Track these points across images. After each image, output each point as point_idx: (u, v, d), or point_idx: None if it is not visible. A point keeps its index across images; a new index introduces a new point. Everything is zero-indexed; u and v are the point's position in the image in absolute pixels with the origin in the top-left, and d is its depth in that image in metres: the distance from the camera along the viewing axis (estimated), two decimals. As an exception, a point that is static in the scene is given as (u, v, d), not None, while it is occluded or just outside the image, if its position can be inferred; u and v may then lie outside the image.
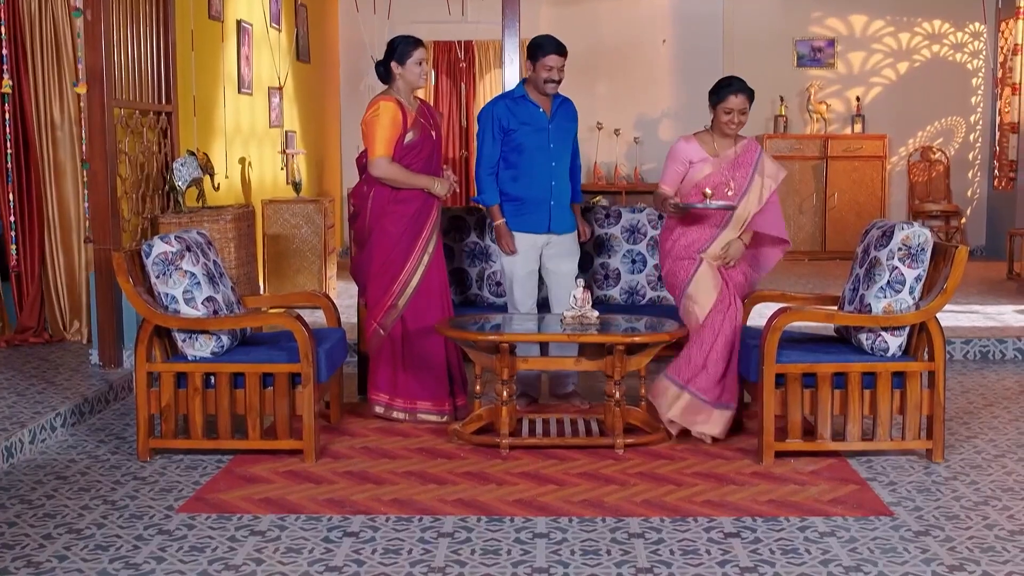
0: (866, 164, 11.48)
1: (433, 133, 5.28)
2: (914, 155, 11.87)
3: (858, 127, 11.77)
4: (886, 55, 11.92)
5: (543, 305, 5.68)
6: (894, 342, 4.54)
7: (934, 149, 11.83)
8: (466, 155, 11.97)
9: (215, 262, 4.92)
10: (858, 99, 11.84)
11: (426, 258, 5.21)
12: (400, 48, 5.18)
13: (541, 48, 5.32)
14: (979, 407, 5.50)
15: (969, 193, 11.93)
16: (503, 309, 5.93)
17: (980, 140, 11.88)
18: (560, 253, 5.49)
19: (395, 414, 5.24)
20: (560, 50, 5.31)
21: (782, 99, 11.78)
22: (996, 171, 11.61)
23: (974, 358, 6.70)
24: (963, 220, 11.78)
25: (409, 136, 5.16)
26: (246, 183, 8.49)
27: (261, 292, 8.06)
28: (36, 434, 4.82)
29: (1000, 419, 5.26)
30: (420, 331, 5.19)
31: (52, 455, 4.72)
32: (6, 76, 6.29)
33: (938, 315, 4.51)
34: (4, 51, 6.33)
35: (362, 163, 5.28)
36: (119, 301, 5.91)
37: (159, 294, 4.64)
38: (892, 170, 11.85)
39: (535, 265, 5.49)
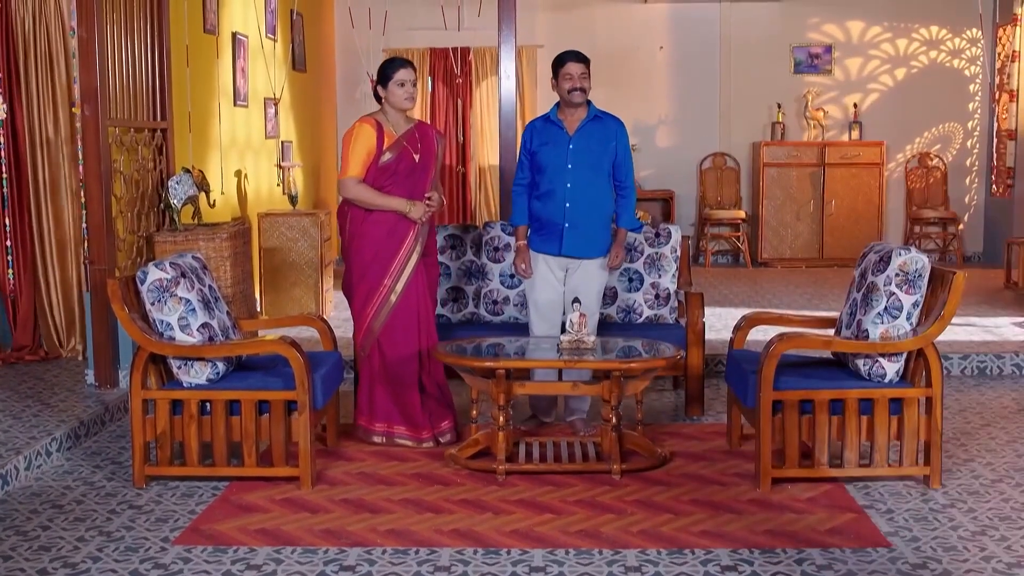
0: (864, 171, 11.47)
1: (417, 156, 5.19)
2: (912, 162, 11.86)
3: (855, 134, 11.76)
4: (883, 61, 11.91)
5: None
6: (891, 368, 4.53)
7: (932, 156, 11.82)
8: (463, 171, 11.93)
9: (210, 287, 4.91)
10: (855, 105, 11.83)
11: (403, 279, 5.16)
12: (384, 71, 5.20)
13: (560, 60, 5.30)
14: (976, 427, 5.50)
15: (967, 200, 11.93)
16: (500, 328, 5.93)
17: (978, 146, 11.88)
18: (578, 282, 5.32)
19: (373, 438, 5.21)
20: (579, 57, 5.27)
21: (779, 106, 11.77)
22: (994, 178, 11.61)
23: (971, 374, 6.69)
24: (960, 227, 11.77)
25: (385, 156, 5.12)
26: (242, 196, 8.47)
27: (258, 307, 8.04)
28: (32, 460, 4.81)
29: (997, 440, 5.25)
30: (395, 355, 5.16)
31: (48, 481, 4.71)
32: (0, 100, 6.28)
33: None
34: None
35: None
36: (114, 322, 5.88)
37: (154, 321, 4.62)
38: (889, 177, 11.84)
39: (555, 293, 5.36)
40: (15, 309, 6.76)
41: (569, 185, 5.27)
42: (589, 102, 5.34)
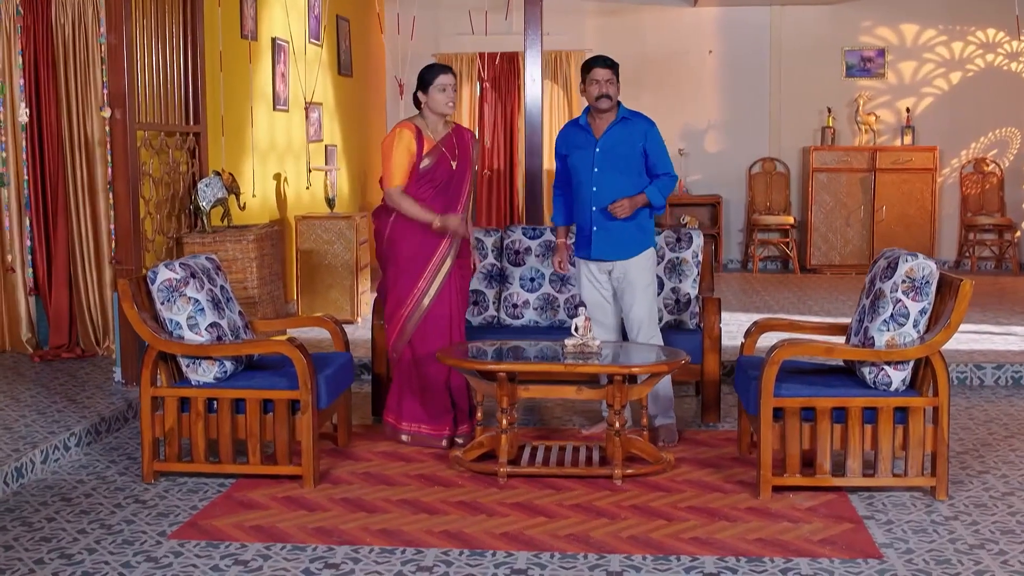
0: (916, 177, 11.25)
1: (454, 163, 5.25)
2: (967, 167, 11.60)
3: (908, 139, 11.54)
4: (938, 65, 11.67)
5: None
6: (897, 376, 4.44)
7: (987, 161, 11.55)
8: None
9: (222, 287, 4.99)
10: (908, 110, 11.61)
11: (437, 283, 5.22)
12: (424, 76, 5.23)
13: (587, 65, 5.30)
14: (999, 438, 5.36)
15: (1024, 206, 11.65)
16: (521, 332, 5.93)
17: (1036, 152, 11.59)
18: (622, 283, 5.33)
19: (402, 437, 5.28)
20: (605, 63, 5.25)
21: (830, 110, 11.60)
22: (1052, 184, 11.32)
23: (1005, 384, 6.51)
24: (1017, 233, 11.48)
25: (424, 162, 5.17)
26: (281, 199, 8.60)
27: (295, 308, 8.15)
28: (48, 454, 4.93)
29: (1018, 452, 5.12)
30: (426, 356, 5.22)
31: (63, 475, 4.83)
32: (23, 105, 6.45)
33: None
34: (21, 81, 6.49)
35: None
36: (141, 320, 6.01)
37: (164, 320, 4.72)
38: (944, 183, 11.60)
39: (600, 296, 5.37)
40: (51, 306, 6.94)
41: (595, 189, 5.27)
42: (619, 104, 5.32)
